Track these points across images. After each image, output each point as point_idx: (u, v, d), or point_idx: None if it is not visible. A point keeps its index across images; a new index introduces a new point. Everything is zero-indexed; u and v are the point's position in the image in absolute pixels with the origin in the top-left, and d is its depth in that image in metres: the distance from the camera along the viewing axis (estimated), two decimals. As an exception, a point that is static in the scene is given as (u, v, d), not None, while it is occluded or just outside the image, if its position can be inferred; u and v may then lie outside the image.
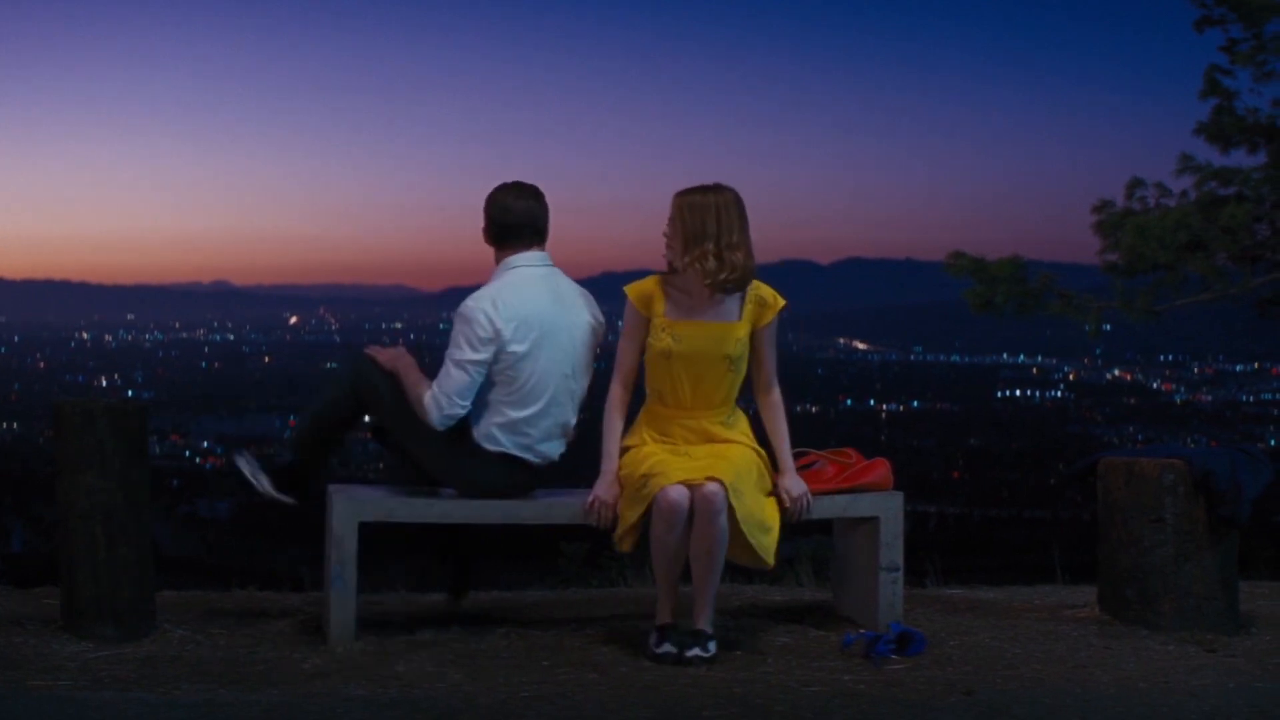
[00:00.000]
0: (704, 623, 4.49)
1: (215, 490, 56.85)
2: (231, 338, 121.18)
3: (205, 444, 69.29)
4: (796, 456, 4.95)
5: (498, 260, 4.78)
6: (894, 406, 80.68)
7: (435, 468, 4.75)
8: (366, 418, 4.84)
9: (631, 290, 4.69)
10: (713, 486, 4.40)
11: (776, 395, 4.78)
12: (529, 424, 4.68)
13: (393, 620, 4.91)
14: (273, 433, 71.54)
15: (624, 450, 4.69)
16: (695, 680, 4.22)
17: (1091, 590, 5.40)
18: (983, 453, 65.97)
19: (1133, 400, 79.72)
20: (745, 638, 4.77)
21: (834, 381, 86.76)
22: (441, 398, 4.60)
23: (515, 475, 4.73)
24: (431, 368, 4.77)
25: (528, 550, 5.19)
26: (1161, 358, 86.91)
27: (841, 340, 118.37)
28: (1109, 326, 10.54)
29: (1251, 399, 77.67)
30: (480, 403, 4.70)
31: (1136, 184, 10.16)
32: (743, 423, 4.76)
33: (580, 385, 4.78)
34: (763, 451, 4.72)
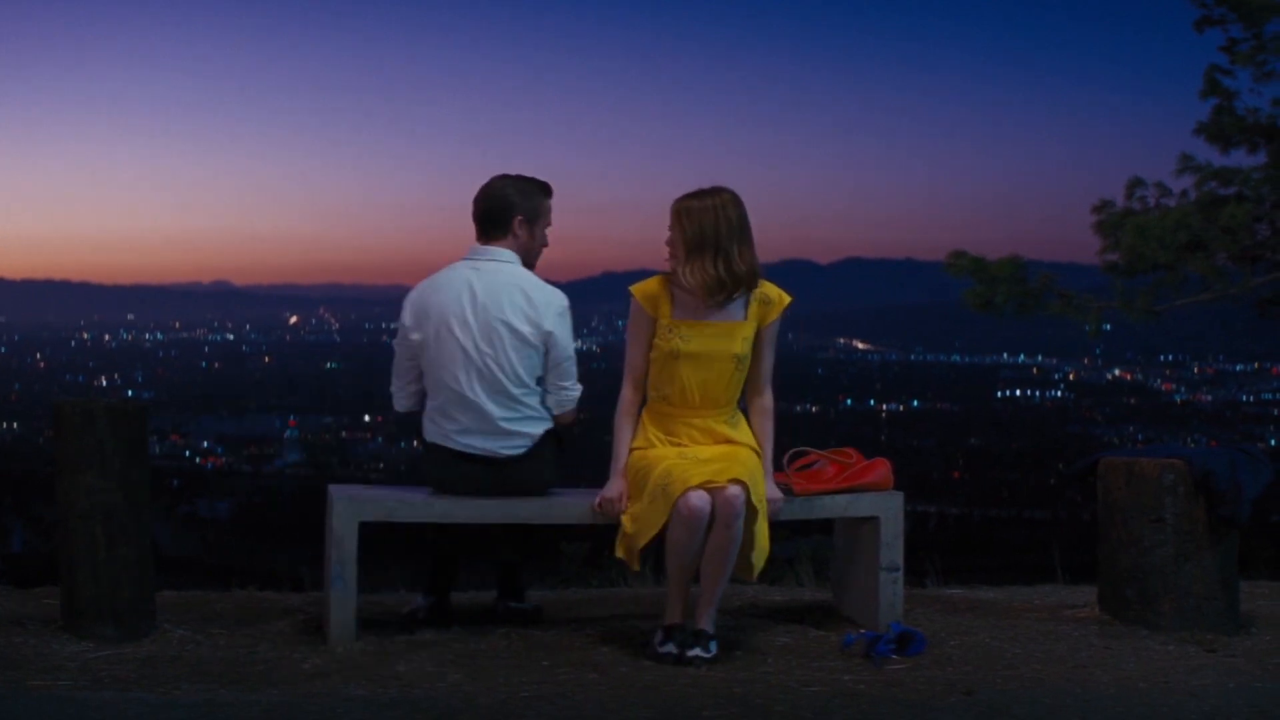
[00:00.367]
0: (706, 623, 4.50)
1: (215, 490, 56.90)
2: (231, 338, 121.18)
3: (205, 444, 69.30)
4: (796, 456, 4.96)
5: None
6: (894, 406, 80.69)
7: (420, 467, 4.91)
8: None
9: (637, 290, 4.68)
10: (735, 489, 4.41)
11: (768, 399, 4.77)
12: (442, 414, 4.77)
13: (393, 620, 4.91)
14: (273, 433, 71.56)
15: (630, 451, 4.70)
16: (695, 680, 4.23)
17: (1091, 590, 5.40)
18: (983, 453, 65.99)
19: (1133, 400, 79.74)
20: (745, 638, 4.77)
21: (834, 381, 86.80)
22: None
23: (463, 469, 4.75)
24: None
25: (537, 550, 5.16)
26: (1161, 358, 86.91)
27: (841, 340, 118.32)
28: (1109, 326, 10.53)
29: (1251, 399, 77.66)
30: (423, 393, 4.91)
31: (1136, 184, 10.14)
32: (744, 422, 4.76)
33: (505, 381, 4.70)
34: (760, 452, 4.71)
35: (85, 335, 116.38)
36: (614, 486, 4.64)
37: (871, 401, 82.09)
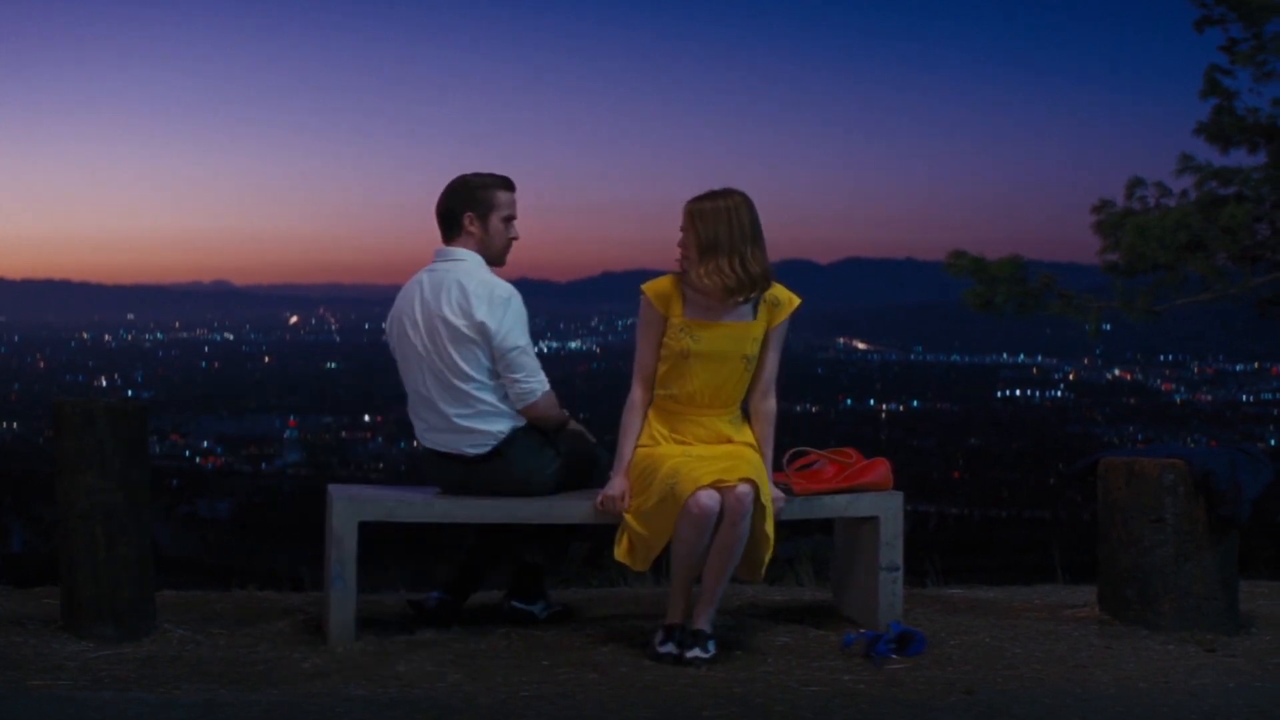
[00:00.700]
0: (704, 623, 4.50)
1: (215, 490, 56.91)
2: (231, 338, 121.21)
3: (205, 444, 69.32)
4: (796, 456, 4.95)
5: None
6: (894, 406, 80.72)
7: None
8: None
9: (649, 289, 4.68)
10: (745, 488, 4.41)
11: (772, 403, 4.76)
12: (414, 415, 4.88)
13: (393, 620, 4.91)
14: (272, 433, 71.56)
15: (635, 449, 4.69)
16: (695, 680, 4.23)
17: (1091, 590, 5.40)
18: (983, 453, 66.00)
19: (1133, 400, 79.76)
20: (745, 638, 4.77)
21: (834, 381, 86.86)
22: None
23: (443, 468, 4.83)
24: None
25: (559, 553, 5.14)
26: (1161, 358, 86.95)
27: (841, 340, 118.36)
28: (1109, 326, 10.53)
29: (1251, 399, 77.68)
30: None
31: (1136, 184, 10.15)
32: (746, 424, 4.76)
33: (451, 377, 4.68)
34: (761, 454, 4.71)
35: (85, 335, 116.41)
36: (616, 485, 4.64)
37: (871, 401, 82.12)
